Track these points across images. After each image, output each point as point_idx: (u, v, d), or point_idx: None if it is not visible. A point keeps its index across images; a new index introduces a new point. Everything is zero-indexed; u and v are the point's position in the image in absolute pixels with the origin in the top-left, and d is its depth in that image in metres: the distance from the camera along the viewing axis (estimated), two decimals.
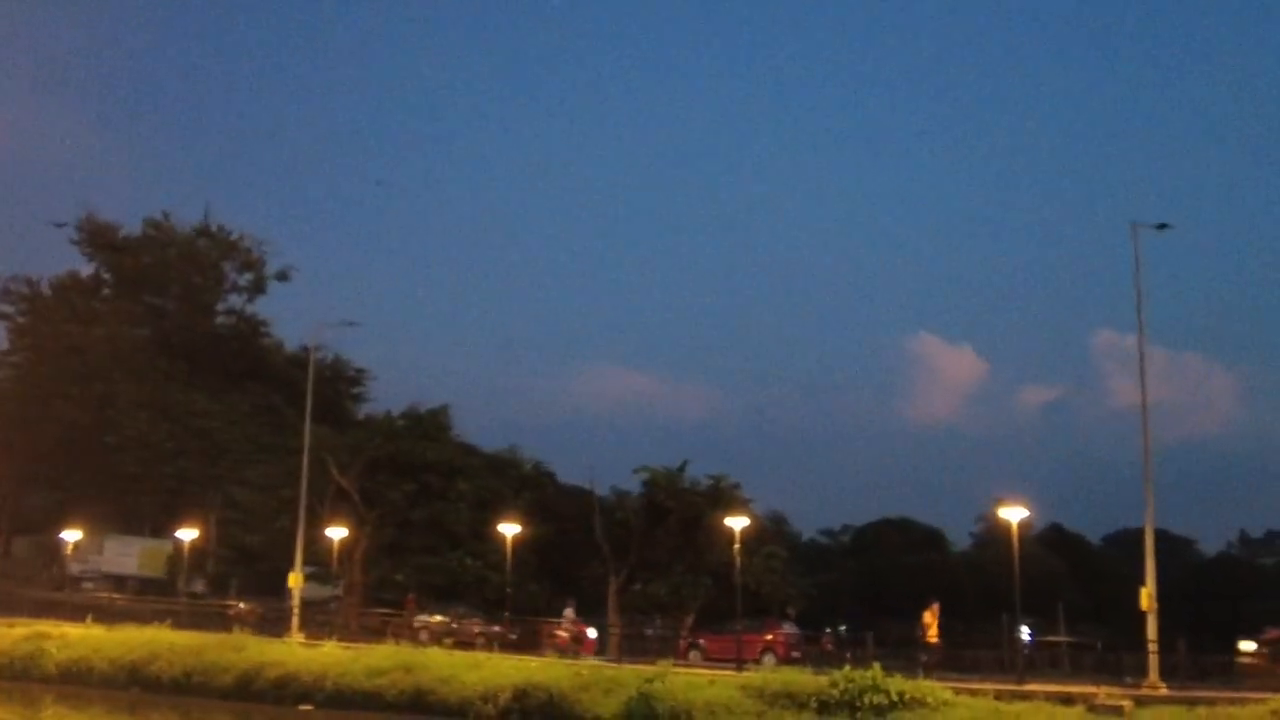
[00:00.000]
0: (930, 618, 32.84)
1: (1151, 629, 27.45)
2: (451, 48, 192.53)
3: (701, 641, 41.13)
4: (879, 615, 60.14)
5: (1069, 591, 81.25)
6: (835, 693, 25.12)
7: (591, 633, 43.18)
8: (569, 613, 42.58)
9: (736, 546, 37.57)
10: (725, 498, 47.57)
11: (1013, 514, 30.89)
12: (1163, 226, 30.65)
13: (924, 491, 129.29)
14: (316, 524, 48.73)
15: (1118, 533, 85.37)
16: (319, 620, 46.55)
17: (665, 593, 47.86)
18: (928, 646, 32.68)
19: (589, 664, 32.20)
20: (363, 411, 73.22)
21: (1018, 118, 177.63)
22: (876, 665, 25.56)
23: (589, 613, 45.77)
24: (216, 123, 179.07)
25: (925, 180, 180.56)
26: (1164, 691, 25.35)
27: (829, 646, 44.24)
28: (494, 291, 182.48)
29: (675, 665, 30.51)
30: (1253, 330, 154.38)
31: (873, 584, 77.51)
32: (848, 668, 26.07)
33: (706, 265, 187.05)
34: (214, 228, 78.71)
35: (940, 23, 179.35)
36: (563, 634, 41.01)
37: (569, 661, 32.71)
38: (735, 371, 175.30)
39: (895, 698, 24.51)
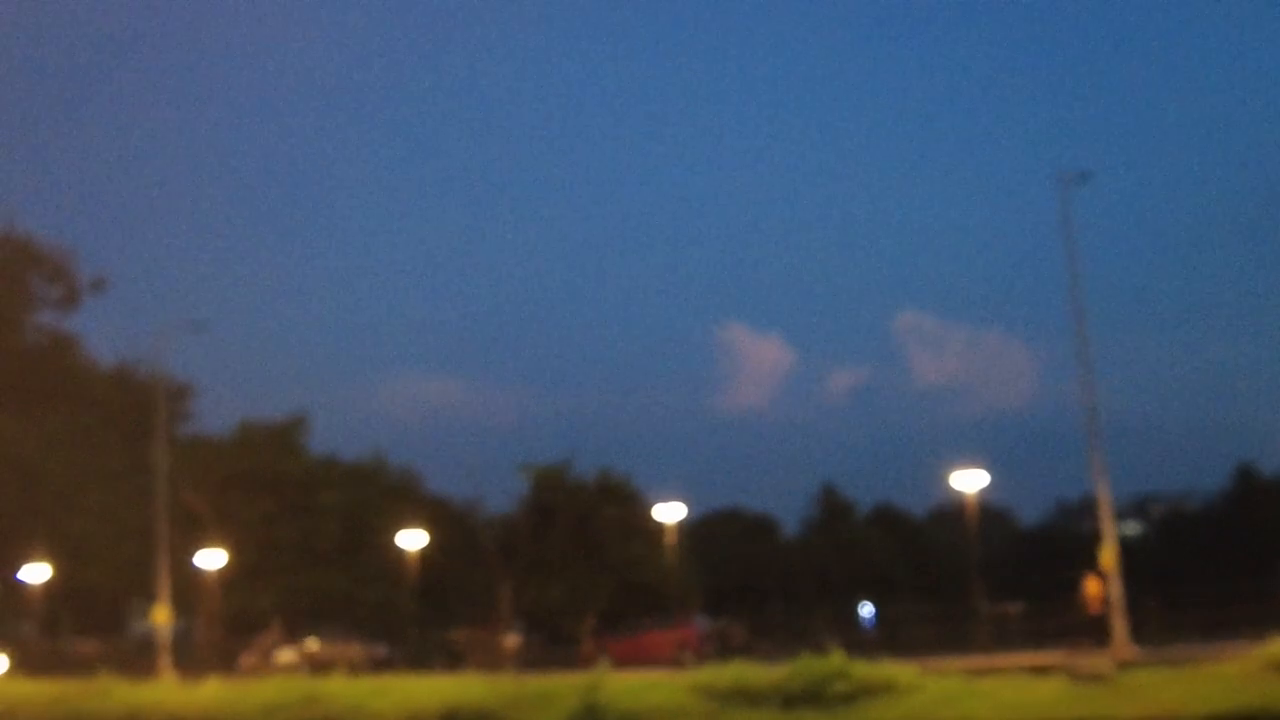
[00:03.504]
0: (1094, 588, 30.41)
1: (1116, 592, 26.63)
2: (257, 48, 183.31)
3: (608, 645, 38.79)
4: (724, 606, 59.00)
5: (901, 569, 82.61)
6: (796, 685, 23.64)
7: None
8: None
9: (670, 540, 35.44)
10: (617, 491, 45.39)
11: (969, 481, 29.46)
12: (1085, 176, 29.97)
13: (746, 481, 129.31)
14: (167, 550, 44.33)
15: (938, 508, 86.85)
16: (177, 655, 42.25)
17: (562, 596, 45.32)
18: (1090, 619, 30.20)
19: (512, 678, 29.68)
20: (190, 430, 68.30)
21: (815, 104, 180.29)
22: (839, 651, 24.04)
23: (481, 624, 42.88)
24: (22, 128, 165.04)
25: (724, 169, 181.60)
26: (1136, 653, 24.63)
27: (738, 640, 42.63)
28: (295, 302, 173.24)
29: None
30: (1047, 308, 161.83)
31: (713, 575, 77.03)
32: (805, 656, 24.51)
33: (509, 262, 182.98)
34: (18, 238, 71.99)
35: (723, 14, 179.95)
36: None
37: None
38: (545, 372, 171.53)
39: (861, 684, 23.20)
